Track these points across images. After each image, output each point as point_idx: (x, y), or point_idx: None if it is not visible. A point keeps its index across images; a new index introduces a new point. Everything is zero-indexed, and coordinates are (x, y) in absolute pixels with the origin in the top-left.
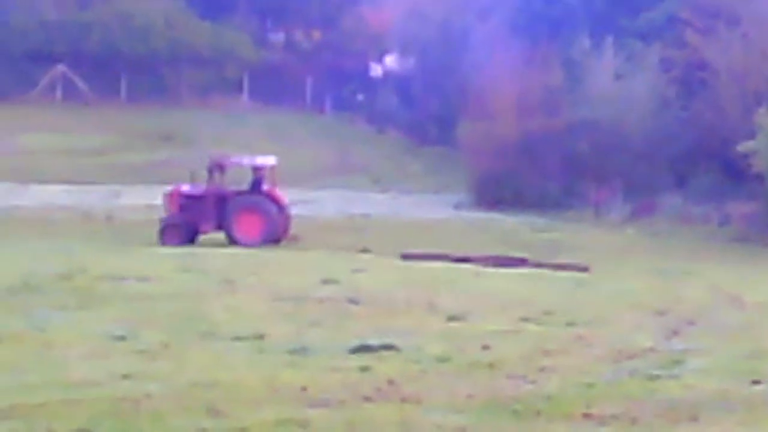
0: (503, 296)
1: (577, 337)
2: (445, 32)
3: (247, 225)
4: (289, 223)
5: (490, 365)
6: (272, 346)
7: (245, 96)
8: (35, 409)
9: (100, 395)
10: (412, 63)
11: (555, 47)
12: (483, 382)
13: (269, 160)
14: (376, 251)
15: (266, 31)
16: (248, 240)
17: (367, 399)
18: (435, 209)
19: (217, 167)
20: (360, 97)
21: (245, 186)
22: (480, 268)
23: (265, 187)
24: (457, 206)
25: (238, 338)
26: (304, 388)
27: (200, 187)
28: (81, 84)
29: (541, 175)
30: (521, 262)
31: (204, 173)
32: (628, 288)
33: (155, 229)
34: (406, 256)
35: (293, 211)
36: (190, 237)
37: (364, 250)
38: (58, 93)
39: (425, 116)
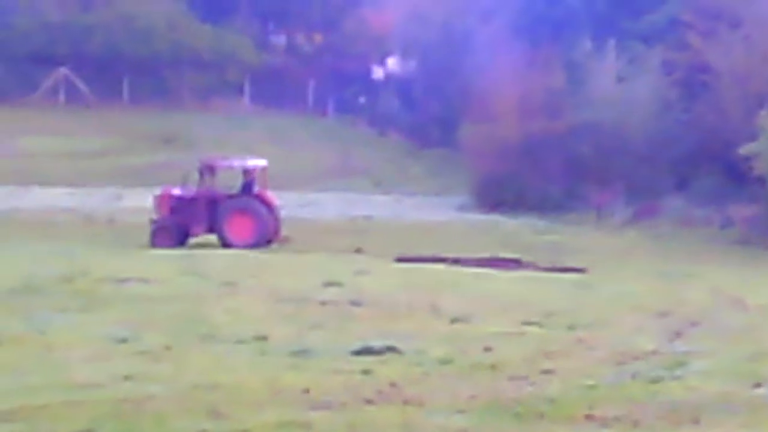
0: (505, 299)
1: (579, 340)
2: (446, 34)
3: (238, 227)
4: (280, 225)
5: (492, 367)
6: (274, 348)
7: (247, 99)
8: (37, 411)
9: (102, 397)
10: (413, 65)
11: (557, 49)
12: (485, 385)
13: (260, 163)
14: (378, 254)
15: (268, 34)
16: (240, 242)
17: (369, 401)
18: (436, 212)
19: (208, 169)
20: (362, 99)
21: (236, 188)
22: (481, 271)
23: (255, 189)
24: (460, 208)
25: (239, 340)
26: (306, 391)
27: (191, 190)
28: (83, 86)
29: (543, 177)
30: (515, 263)
31: (195, 175)
32: (630, 290)
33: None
34: (400, 260)
35: (295, 213)
36: (181, 239)
37: (358, 251)
38: (61, 95)
39: (427, 119)
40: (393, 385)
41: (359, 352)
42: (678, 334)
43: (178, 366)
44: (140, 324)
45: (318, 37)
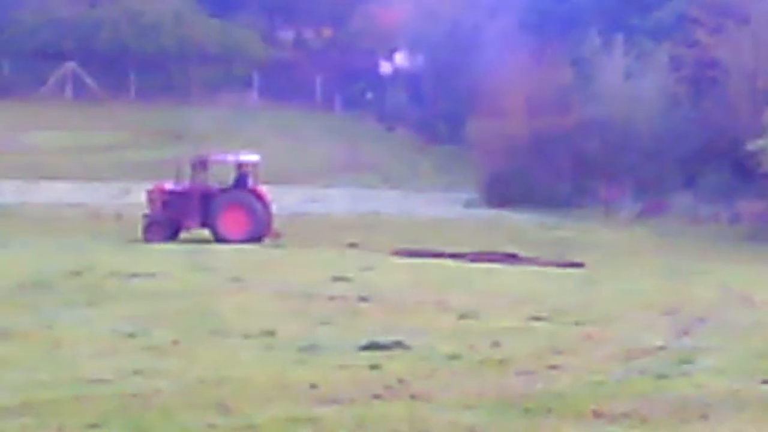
0: (513, 294)
1: (587, 336)
2: (454, 30)
3: (232, 222)
4: (272, 220)
5: (500, 363)
6: (281, 343)
7: (255, 94)
8: (45, 406)
9: (109, 392)
10: (421, 61)
11: (565, 46)
12: (493, 380)
13: (253, 158)
14: (386, 249)
15: (275, 28)
16: (233, 236)
17: (377, 397)
18: (444, 207)
19: (201, 164)
20: (369, 95)
21: (229, 183)
22: (489, 266)
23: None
24: (468, 204)
25: (247, 335)
26: (313, 386)
27: (184, 184)
28: (90, 81)
29: (551, 173)
30: (512, 258)
31: (188, 170)
32: (637, 287)
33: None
34: (397, 253)
35: (302, 208)
36: (173, 234)
37: (352, 245)
38: (68, 91)
39: (435, 114)
40: (401, 380)
41: (367, 348)
42: (686, 331)
43: (185, 361)
44: (148, 319)
45: (326, 32)
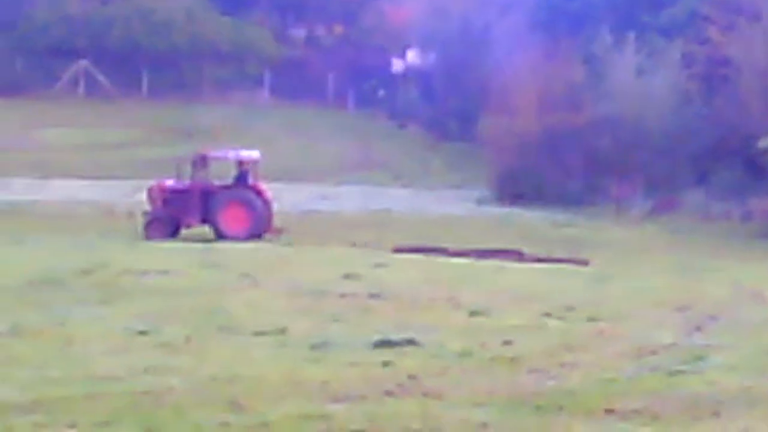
0: (525, 292)
1: (598, 333)
2: (466, 28)
3: (233, 219)
4: (272, 216)
5: (512, 360)
6: (294, 340)
7: (266, 91)
8: (57, 403)
9: (121, 389)
10: (433, 58)
11: (576, 43)
12: (504, 378)
13: (253, 154)
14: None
15: (287, 26)
16: (234, 233)
17: (389, 394)
18: (456, 205)
19: (201, 161)
20: (381, 92)
21: (229, 180)
22: (501, 264)
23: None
24: (479, 202)
25: (259, 333)
26: (325, 383)
27: (184, 182)
28: (103, 79)
29: (563, 170)
30: (516, 254)
31: (189, 167)
32: (649, 284)
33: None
34: (398, 250)
35: (314, 206)
36: (174, 231)
37: (354, 245)
38: (80, 88)
39: (446, 112)
40: (412, 377)
41: (378, 345)
42: (698, 328)
43: (197, 358)
44: (160, 316)
45: (338, 30)
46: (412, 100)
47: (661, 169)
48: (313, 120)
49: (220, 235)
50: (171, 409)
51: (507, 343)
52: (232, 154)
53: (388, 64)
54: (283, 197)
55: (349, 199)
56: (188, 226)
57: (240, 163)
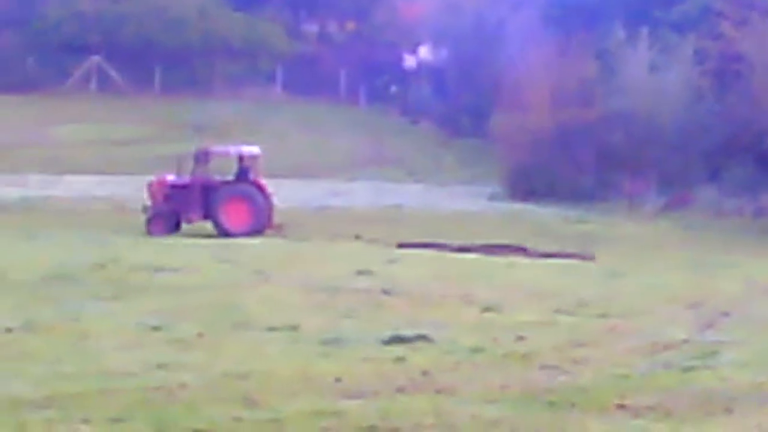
0: (537, 288)
1: (611, 329)
2: (478, 23)
3: (235, 214)
4: (273, 212)
5: (524, 356)
6: (306, 336)
7: (279, 88)
8: (70, 399)
9: (134, 385)
10: (445, 54)
11: (589, 38)
12: (517, 374)
13: (254, 150)
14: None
15: (299, 22)
16: (236, 229)
17: (401, 390)
18: (468, 201)
19: (203, 156)
20: (393, 88)
21: (231, 175)
22: (513, 259)
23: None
24: (491, 198)
25: (272, 329)
26: (338, 379)
27: (185, 177)
28: (115, 75)
29: (575, 166)
30: (521, 250)
31: (190, 163)
32: (661, 280)
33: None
34: (401, 245)
35: (326, 202)
36: (175, 226)
37: (357, 237)
38: (93, 84)
39: (459, 108)
40: (425, 373)
41: (391, 341)
42: (710, 324)
43: (210, 354)
44: (173, 312)
45: (350, 26)
46: (424, 96)
47: (674, 165)
48: (325, 116)
49: (221, 231)
50: (183, 405)
51: (519, 339)
52: (233, 150)
53: (400, 60)
54: (295, 193)
55: (361, 195)
56: (189, 221)
57: (241, 158)
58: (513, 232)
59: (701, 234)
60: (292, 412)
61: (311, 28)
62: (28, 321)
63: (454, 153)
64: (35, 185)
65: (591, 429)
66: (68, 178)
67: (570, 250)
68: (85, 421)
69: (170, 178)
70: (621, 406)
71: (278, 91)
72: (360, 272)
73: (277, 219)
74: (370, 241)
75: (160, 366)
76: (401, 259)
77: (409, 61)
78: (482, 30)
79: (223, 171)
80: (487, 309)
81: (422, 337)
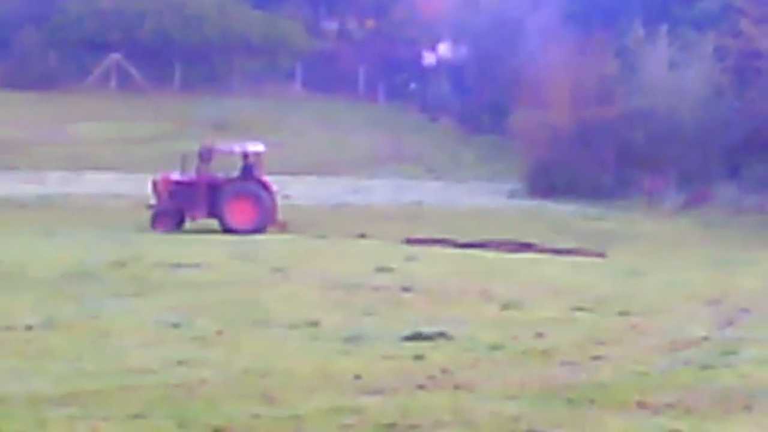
0: (556, 284)
1: (630, 326)
2: (498, 20)
3: (240, 212)
4: (277, 209)
5: (544, 353)
6: (326, 333)
7: (298, 85)
8: (91, 396)
9: (154, 382)
10: (465, 51)
11: (609, 36)
12: (536, 371)
13: (258, 147)
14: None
15: (319, 19)
16: (241, 226)
17: (421, 387)
18: (487, 198)
19: (208, 154)
20: (413, 85)
21: (235, 173)
22: (532, 256)
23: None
24: (511, 195)
25: (291, 326)
26: (357, 376)
27: (190, 174)
28: (135, 73)
29: (595, 164)
30: (529, 247)
31: (195, 160)
32: (681, 277)
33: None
34: (410, 241)
35: (345, 199)
36: (179, 224)
37: (362, 235)
38: (112, 82)
39: (478, 105)
40: (444, 370)
41: (410, 338)
42: (730, 321)
43: (230, 351)
44: (192, 309)
45: (369, 23)
46: (444, 93)
47: (694, 162)
48: (344, 113)
49: (226, 228)
50: (203, 402)
51: (539, 335)
52: (237, 147)
53: (420, 57)
54: (315, 190)
55: (381, 192)
56: (193, 219)
57: (245, 156)
58: (532, 229)
59: (721, 231)
60: (311, 409)
61: (331, 25)
62: (48, 318)
63: (473, 150)
64: (54, 182)
65: (610, 426)
66: (88, 175)
67: (584, 247)
68: (106, 418)
69: (175, 175)
70: (640, 404)
71: (297, 88)
72: (379, 269)
73: (281, 216)
74: (383, 239)
75: (180, 363)
76: (420, 256)
77: (429, 58)
78: (502, 27)
79: (226, 168)
80: (506, 306)
81: (441, 334)
